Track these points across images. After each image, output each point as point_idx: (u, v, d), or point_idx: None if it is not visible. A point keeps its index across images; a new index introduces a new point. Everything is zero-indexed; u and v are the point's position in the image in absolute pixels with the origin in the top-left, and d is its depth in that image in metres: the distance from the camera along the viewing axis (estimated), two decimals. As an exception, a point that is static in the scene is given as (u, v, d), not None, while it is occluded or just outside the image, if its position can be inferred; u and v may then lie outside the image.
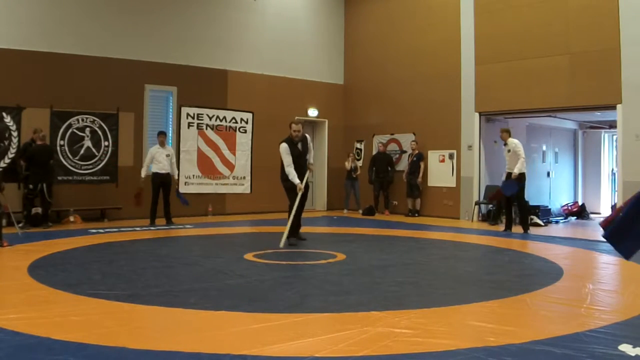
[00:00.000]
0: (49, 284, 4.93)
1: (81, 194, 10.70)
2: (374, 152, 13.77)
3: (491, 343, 3.33)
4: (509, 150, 9.56)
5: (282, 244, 7.25)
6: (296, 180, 7.53)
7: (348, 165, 13.61)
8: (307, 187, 7.95)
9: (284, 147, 7.67)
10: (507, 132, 9.70)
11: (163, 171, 10.24)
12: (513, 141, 9.54)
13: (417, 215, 12.56)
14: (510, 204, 9.76)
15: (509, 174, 9.49)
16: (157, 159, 10.22)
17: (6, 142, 9.74)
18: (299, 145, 7.78)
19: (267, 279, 5.37)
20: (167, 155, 10.36)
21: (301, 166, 7.72)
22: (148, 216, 10.28)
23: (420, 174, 12.58)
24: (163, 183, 10.26)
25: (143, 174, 10.23)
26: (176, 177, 10.61)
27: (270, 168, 12.49)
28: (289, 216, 7.73)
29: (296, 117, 13.38)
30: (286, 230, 7.41)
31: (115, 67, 11.10)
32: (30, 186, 9.40)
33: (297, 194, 7.60)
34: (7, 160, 9.73)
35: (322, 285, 5.17)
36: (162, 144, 10.40)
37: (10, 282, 5.10)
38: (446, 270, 6.23)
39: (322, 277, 5.54)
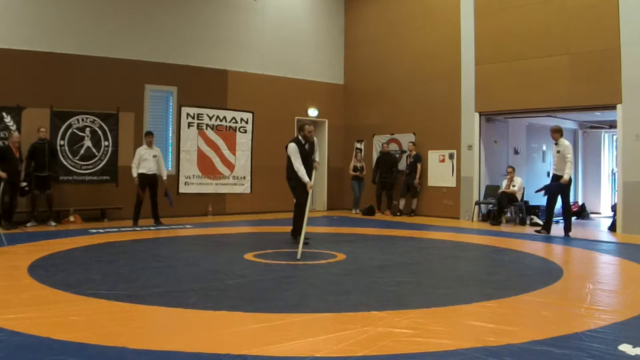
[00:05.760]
0: (49, 284, 4.92)
1: (81, 194, 10.71)
2: (375, 152, 13.78)
3: (491, 343, 3.33)
4: (558, 151, 9.17)
5: (299, 256, 6.52)
6: (306, 179, 7.61)
7: (353, 165, 13.58)
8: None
9: (293, 147, 7.78)
10: (559, 132, 9.25)
11: (150, 172, 10.05)
12: (564, 142, 9.14)
13: (412, 215, 12.59)
14: (552, 206, 9.35)
15: (555, 176, 9.16)
16: (144, 160, 10.01)
17: (6, 142, 9.73)
18: (307, 146, 7.92)
19: (267, 279, 5.37)
20: (154, 156, 10.15)
21: (308, 166, 7.80)
22: (150, 216, 10.26)
23: (418, 175, 12.58)
24: (150, 184, 10.10)
25: (134, 173, 9.97)
26: (164, 177, 10.36)
27: (271, 168, 12.56)
28: (296, 217, 7.85)
29: (296, 118, 13.43)
30: (301, 240, 6.89)
31: (115, 67, 11.10)
32: (24, 184, 9.48)
33: (303, 192, 7.64)
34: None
35: (322, 285, 5.17)
36: (150, 144, 10.19)
37: (10, 282, 5.09)
38: (446, 270, 6.23)
39: (322, 277, 5.54)
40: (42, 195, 9.80)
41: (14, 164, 9.30)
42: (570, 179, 9.12)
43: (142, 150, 10.12)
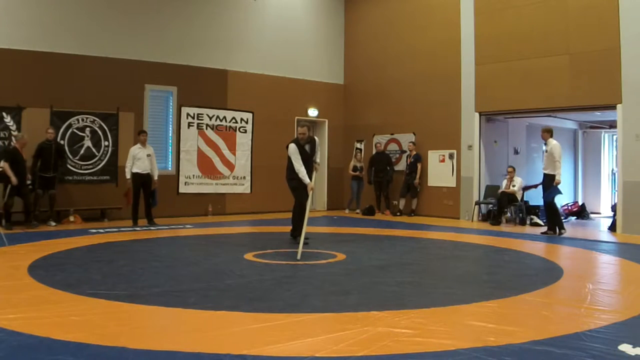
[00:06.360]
0: (49, 284, 4.93)
1: (81, 194, 10.69)
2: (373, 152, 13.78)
3: (491, 343, 3.33)
4: (546, 151, 9.30)
5: (299, 256, 6.54)
6: (307, 180, 7.59)
7: (353, 165, 13.57)
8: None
9: (293, 147, 7.76)
10: (549, 132, 9.29)
11: (144, 171, 9.98)
12: (552, 142, 9.16)
13: (412, 215, 12.59)
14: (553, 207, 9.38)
15: (544, 175, 9.22)
16: (138, 159, 9.94)
17: (6, 142, 9.73)
18: (307, 147, 7.89)
19: (267, 279, 5.37)
20: (148, 155, 10.07)
21: (308, 167, 7.76)
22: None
23: (418, 175, 12.57)
24: (144, 183, 10.03)
25: (128, 174, 9.93)
26: (156, 177, 10.23)
27: (271, 168, 12.56)
28: (295, 217, 7.84)
29: (296, 118, 13.44)
30: (301, 241, 6.92)
31: (115, 67, 11.09)
32: (28, 182, 9.44)
33: (303, 193, 7.63)
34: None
35: (322, 285, 5.17)
36: (144, 143, 10.10)
37: (10, 282, 5.09)
38: (446, 270, 6.23)
39: (322, 277, 5.54)
40: (45, 195, 9.78)
41: (22, 165, 9.30)
42: (552, 177, 9.13)
43: (136, 150, 10.03)
